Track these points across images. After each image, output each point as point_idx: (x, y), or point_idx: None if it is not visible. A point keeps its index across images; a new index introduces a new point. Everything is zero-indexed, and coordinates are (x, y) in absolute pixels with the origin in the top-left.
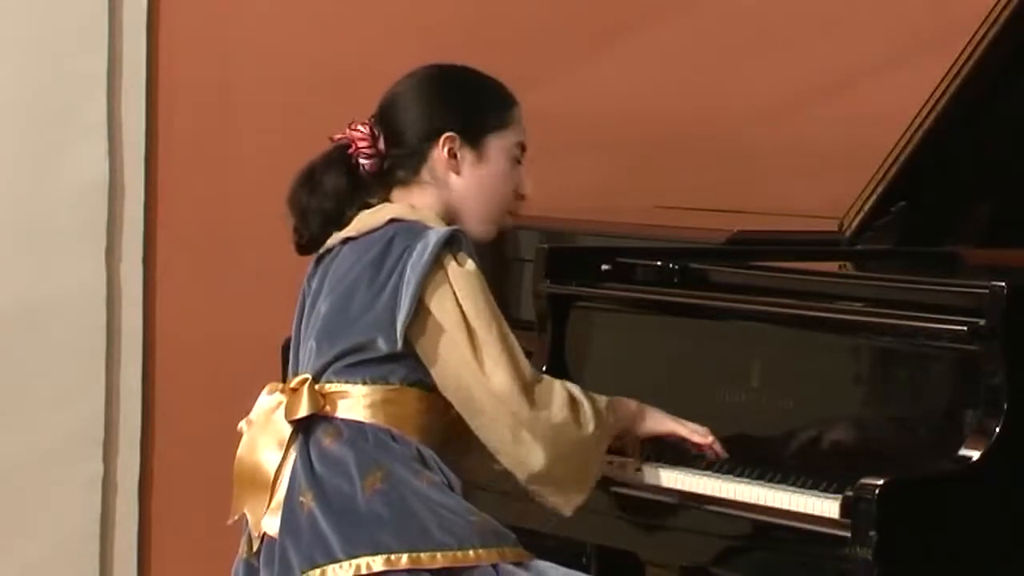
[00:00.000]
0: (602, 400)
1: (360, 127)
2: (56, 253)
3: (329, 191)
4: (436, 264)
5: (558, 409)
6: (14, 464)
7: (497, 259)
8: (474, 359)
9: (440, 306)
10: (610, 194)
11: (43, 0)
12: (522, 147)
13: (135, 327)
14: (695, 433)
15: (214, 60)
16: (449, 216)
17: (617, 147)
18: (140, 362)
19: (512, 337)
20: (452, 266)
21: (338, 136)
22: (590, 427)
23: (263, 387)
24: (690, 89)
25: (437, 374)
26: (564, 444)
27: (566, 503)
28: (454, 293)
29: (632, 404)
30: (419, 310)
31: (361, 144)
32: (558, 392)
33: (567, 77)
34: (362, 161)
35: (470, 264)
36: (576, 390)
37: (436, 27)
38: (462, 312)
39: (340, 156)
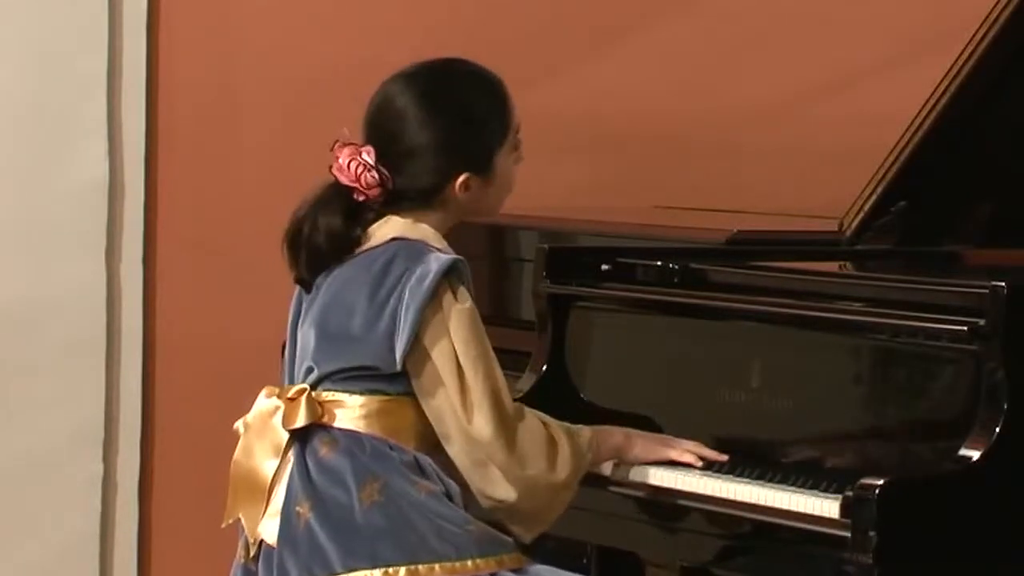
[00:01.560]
0: (585, 435)
1: (368, 174)
2: (56, 253)
3: (332, 231)
4: (435, 298)
5: (535, 457)
6: (14, 464)
7: (497, 259)
8: (460, 404)
9: (436, 348)
10: (609, 194)
11: (43, 0)
12: (518, 128)
13: (135, 327)
14: (686, 454)
15: (214, 60)
16: (459, 220)
17: (616, 147)
18: (140, 362)
19: (498, 376)
20: (452, 306)
21: (344, 180)
22: (564, 472)
23: (263, 387)
24: (690, 89)
25: (424, 404)
26: (534, 487)
27: (526, 532)
28: (450, 336)
29: (619, 435)
30: (416, 346)
31: (373, 193)
32: (538, 435)
33: (567, 77)
34: (370, 206)
35: (468, 302)
36: (557, 429)
37: (436, 27)
38: (456, 355)
39: (343, 197)
